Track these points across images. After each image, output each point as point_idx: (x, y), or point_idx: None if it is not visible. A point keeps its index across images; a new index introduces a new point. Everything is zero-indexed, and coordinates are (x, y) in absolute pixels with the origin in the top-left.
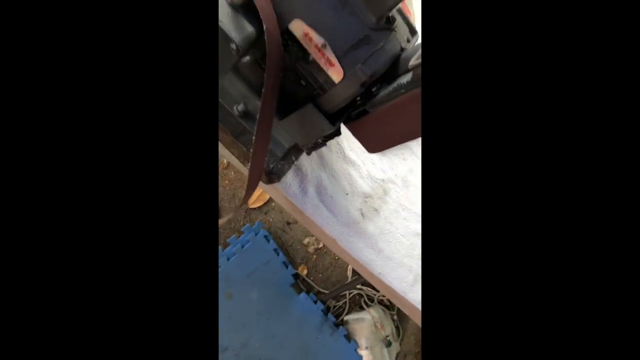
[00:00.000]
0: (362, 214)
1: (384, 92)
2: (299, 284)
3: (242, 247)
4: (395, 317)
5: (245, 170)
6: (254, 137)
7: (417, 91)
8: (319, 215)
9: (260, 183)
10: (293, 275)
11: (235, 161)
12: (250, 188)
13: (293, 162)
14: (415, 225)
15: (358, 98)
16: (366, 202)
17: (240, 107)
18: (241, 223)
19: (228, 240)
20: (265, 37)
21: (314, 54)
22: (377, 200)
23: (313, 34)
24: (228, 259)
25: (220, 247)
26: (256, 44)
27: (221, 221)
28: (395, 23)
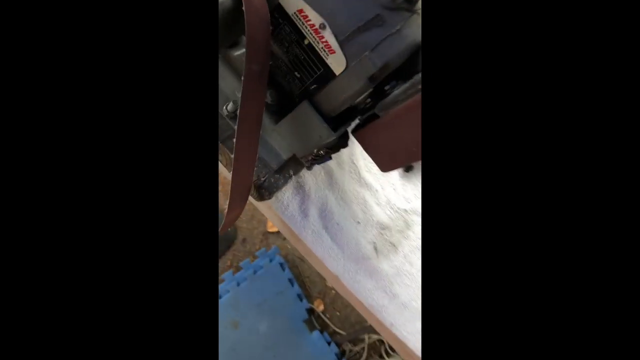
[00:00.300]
0: (375, 249)
1: (398, 91)
2: (313, 320)
3: (255, 272)
4: None
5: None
6: (234, 140)
7: None
8: (320, 244)
9: (252, 199)
10: (307, 310)
11: (224, 171)
12: (234, 203)
13: (291, 176)
14: None
15: (368, 99)
16: (382, 234)
17: (230, 106)
18: (257, 247)
19: (241, 264)
20: (244, 6)
21: (310, 36)
22: (396, 234)
23: (309, 11)
24: (238, 284)
25: (231, 271)
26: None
27: None
28: (418, 4)
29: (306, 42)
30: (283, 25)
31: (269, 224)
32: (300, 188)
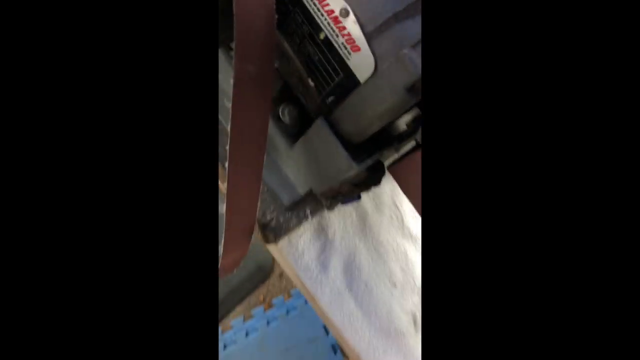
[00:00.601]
0: (414, 322)
1: None
2: None
3: (288, 313)
4: None
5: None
6: (226, 164)
7: None
8: (339, 307)
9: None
10: None
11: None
12: (231, 244)
13: (307, 217)
14: None
15: (407, 121)
16: None
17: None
18: (293, 284)
19: (274, 300)
20: None
21: (327, 28)
22: None
23: None
24: (268, 323)
25: (262, 307)
26: None
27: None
28: None
29: (322, 35)
30: (293, 13)
31: None
32: (321, 231)
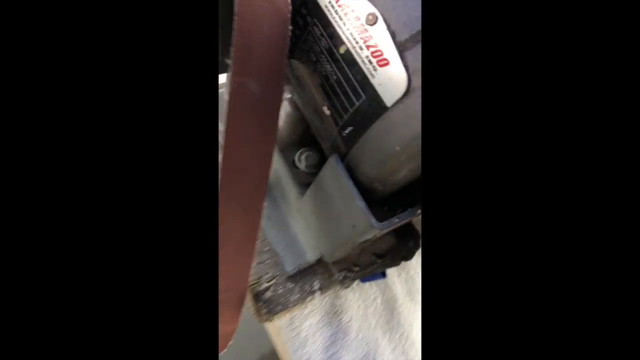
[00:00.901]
0: None
1: None
2: None
3: None
4: None
5: None
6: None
7: None
8: None
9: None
10: None
11: None
12: (221, 312)
13: (313, 292)
14: None
15: None
16: None
17: None
18: None
19: None
20: None
21: (349, 39)
22: None
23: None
24: None
25: None
26: None
27: None
28: None
29: (342, 49)
30: (311, 25)
31: None
32: (334, 316)
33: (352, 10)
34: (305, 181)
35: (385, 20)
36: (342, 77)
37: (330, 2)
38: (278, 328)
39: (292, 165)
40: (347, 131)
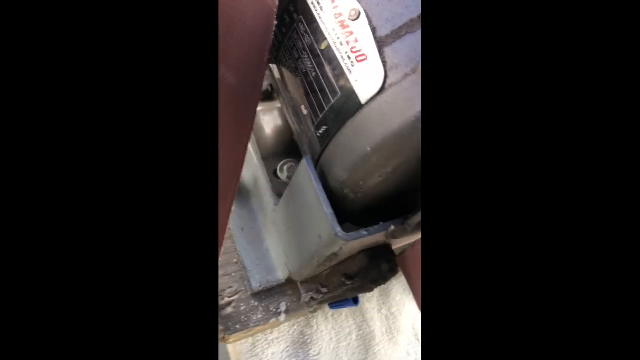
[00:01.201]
0: None
1: None
2: None
3: None
4: None
5: None
6: None
7: None
8: None
9: None
10: None
11: None
12: None
13: (279, 314)
14: None
15: None
16: None
17: None
18: None
19: None
20: None
21: (331, 34)
22: None
23: None
24: None
25: None
26: None
27: None
28: None
29: (323, 45)
30: (297, 23)
31: None
32: (302, 346)
33: (336, 6)
34: (283, 192)
35: (367, 16)
36: (321, 73)
37: (317, 0)
38: (238, 353)
39: (273, 175)
40: (321, 130)
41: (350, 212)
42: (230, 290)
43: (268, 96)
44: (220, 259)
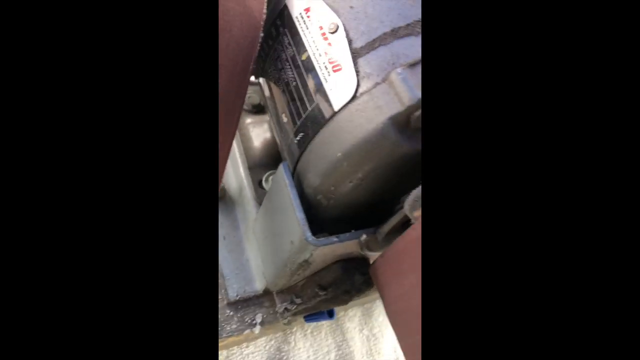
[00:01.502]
0: None
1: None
2: None
3: None
4: None
5: None
6: None
7: None
8: None
9: None
10: None
11: None
12: None
13: (254, 325)
14: None
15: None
16: None
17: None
18: None
19: None
20: None
21: (311, 46)
22: None
23: (321, 8)
24: None
25: None
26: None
27: None
28: None
29: (304, 56)
30: (282, 36)
31: None
32: None
33: (318, 20)
34: None
35: (345, 29)
36: (300, 82)
37: (300, 14)
38: None
39: (258, 185)
40: (298, 137)
41: (324, 220)
42: None
43: (260, 110)
44: None
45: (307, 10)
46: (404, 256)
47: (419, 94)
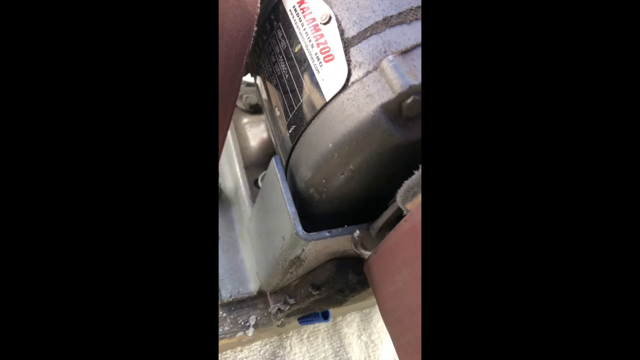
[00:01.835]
0: None
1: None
2: None
3: None
4: None
5: None
6: None
7: None
8: None
9: None
10: None
11: None
12: None
13: (247, 327)
14: None
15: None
16: None
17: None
18: None
19: None
20: None
21: (304, 38)
22: None
23: (313, 2)
24: None
25: None
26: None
27: None
28: None
29: (297, 48)
30: (276, 29)
31: None
32: None
33: (311, 12)
34: None
35: (337, 19)
36: (293, 74)
37: (294, 6)
38: None
39: (254, 185)
40: (291, 130)
41: (318, 216)
42: None
43: (257, 110)
44: None
45: (301, 2)
46: (397, 250)
47: (410, 81)
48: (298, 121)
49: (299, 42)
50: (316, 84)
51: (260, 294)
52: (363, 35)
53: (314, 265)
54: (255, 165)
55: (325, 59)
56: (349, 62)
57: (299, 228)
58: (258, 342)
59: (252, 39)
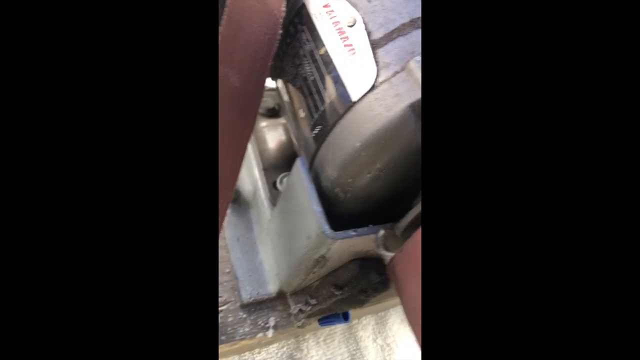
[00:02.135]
0: None
1: None
2: None
3: None
4: None
5: None
6: None
7: None
8: None
9: None
10: None
11: None
12: None
13: (267, 329)
14: None
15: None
16: None
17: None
18: None
19: None
20: None
21: (330, 41)
22: None
23: (340, 3)
24: None
25: None
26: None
27: None
28: None
29: (322, 51)
30: (300, 32)
31: None
32: None
33: (336, 15)
34: None
35: (364, 22)
36: (318, 76)
37: (319, 11)
38: None
39: (272, 187)
40: (316, 130)
41: (342, 216)
42: (220, 299)
43: (274, 114)
44: None
45: (326, 6)
46: None
47: None
48: (324, 122)
49: (324, 45)
50: (342, 85)
51: (279, 295)
52: (389, 37)
53: (337, 265)
54: (274, 167)
55: (352, 61)
56: (377, 63)
57: (326, 227)
58: (275, 345)
59: (277, 41)
